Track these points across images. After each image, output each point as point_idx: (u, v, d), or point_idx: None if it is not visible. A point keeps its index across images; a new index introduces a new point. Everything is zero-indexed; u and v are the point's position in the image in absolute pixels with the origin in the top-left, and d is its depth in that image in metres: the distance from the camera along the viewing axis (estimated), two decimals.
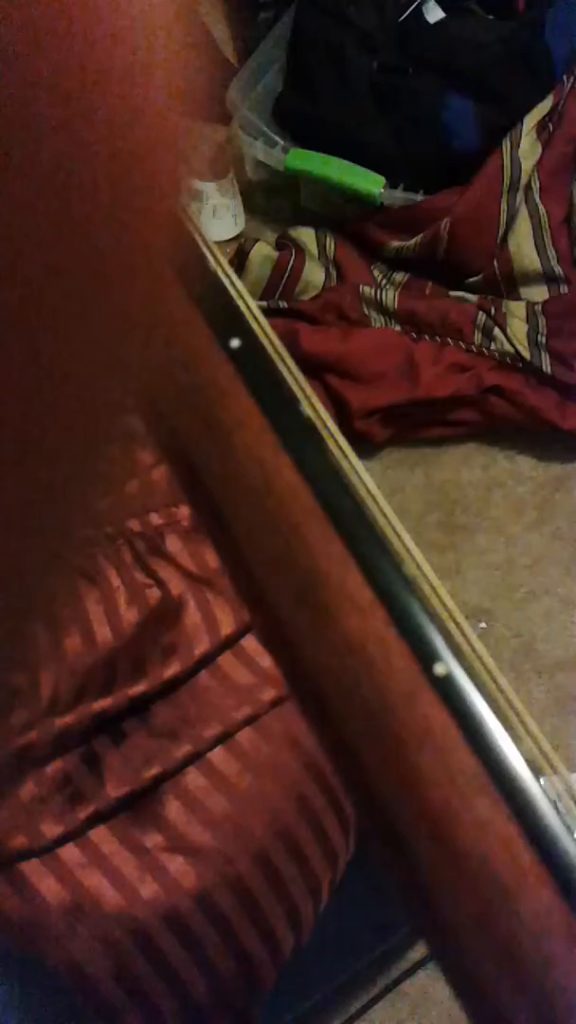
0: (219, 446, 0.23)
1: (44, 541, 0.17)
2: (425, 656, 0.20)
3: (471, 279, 1.07)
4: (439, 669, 0.20)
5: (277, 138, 1.11)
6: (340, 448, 0.23)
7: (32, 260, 0.13)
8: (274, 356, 0.24)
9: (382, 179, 1.07)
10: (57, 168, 0.12)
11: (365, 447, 1.05)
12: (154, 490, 0.73)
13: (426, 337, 1.04)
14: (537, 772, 0.19)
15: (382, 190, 1.07)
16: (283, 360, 0.24)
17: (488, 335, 1.03)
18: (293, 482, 0.22)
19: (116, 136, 0.13)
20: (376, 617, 0.21)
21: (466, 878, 0.19)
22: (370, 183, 1.07)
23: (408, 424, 1.06)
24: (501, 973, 0.18)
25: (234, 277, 0.25)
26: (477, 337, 1.03)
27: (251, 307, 0.25)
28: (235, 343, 0.24)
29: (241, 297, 0.25)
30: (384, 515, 0.22)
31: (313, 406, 0.23)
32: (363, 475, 0.23)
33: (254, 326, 0.24)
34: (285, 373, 0.24)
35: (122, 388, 0.17)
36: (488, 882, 0.18)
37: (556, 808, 0.19)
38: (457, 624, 0.21)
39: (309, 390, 0.24)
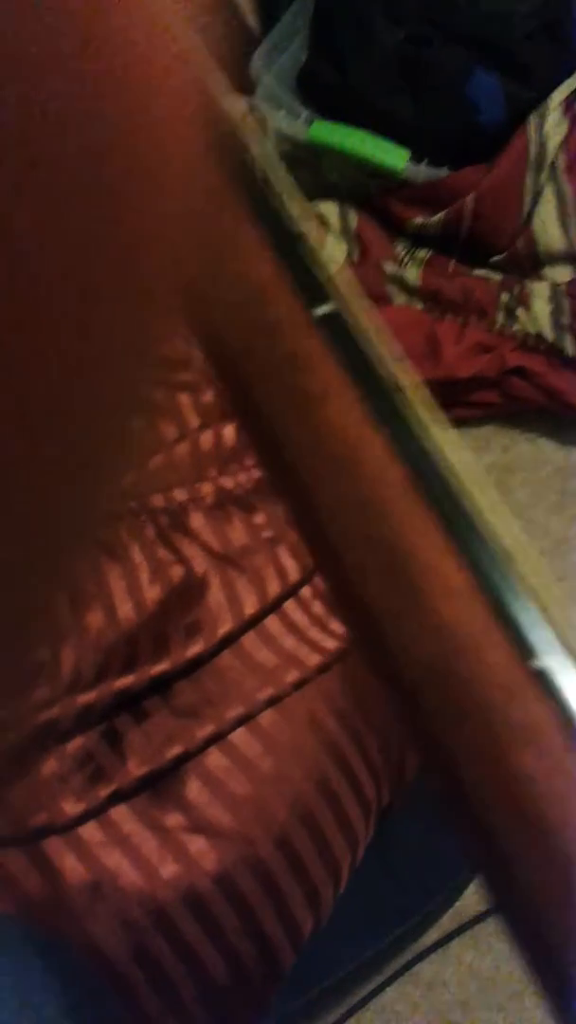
0: (305, 419, 0.22)
1: (71, 513, 0.17)
2: (525, 648, 0.19)
3: (495, 258, 1.06)
4: (539, 663, 0.19)
5: (300, 109, 1.09)
6: (435, 423, 0.22)
7: (41, 217, 0.12)
8: (365, 325, 0.23)
9: (407, 153, 1.05)
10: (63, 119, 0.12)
11: None
12: (178, 465, 0.72)
13: (448, 316, 1.03)
14: None
15: (406, 164, 1.05)
16: (374, 329, 0.23)
17: (511, 315, 1.01)
18: (384, 458, 0.21)
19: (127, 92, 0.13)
20: (472, 604, 0.20)
21: (566, 883, 0.18)
22: (394, 157, 1.05)
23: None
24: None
25: (320, 243, 0.23)
26: (500, 317, 1.02)
27: (336, 275, 0.23)
28: (323, 310, 0.22)
29: (330, 262, 0.23)
30: (483, 495, 0.21)
31: (406, 378, 0.22)
32: (460, 452, 0.22)
33: (343, 293, 0.23)
34: (376, 343, 0.23)
35: (147, 356, 0.17)
36: None
37: None
38: (559, 613, 0.20)
39: (401, 365, 0.22)
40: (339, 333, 0.22)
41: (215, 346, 0.23)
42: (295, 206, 0.23)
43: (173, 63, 0.14)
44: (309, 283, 0.23)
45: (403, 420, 0.22)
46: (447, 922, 0.90)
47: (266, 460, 0.24)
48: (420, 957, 0.89)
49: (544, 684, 0.19)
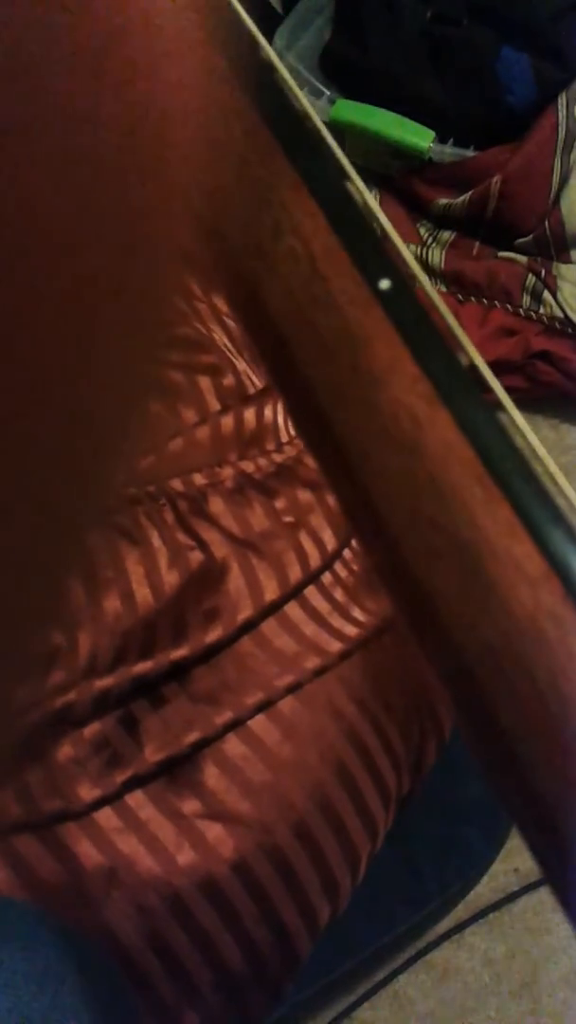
0: (365, 398, 0.21)
1: (82, 495, 0.17)
2: None
3: (521, 240, 1.04)
4: None
5: (323, 88, 1.08)
6: (503, 403, 0.21)
7: (48, 202, 0.12)
8: (429, 300, 0.21)
9: (431, 133, 1.03)
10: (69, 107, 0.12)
11: None
12: (198, 449, 0.70)
13: (472, 299, 1.01)
14: None
15: (431, 144, 1.03)
16: (438, 305, 0.21)
17: (537, 298, 1.00)
18: (451, 438, 0.20)
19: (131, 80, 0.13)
20: (550, 590, 0.19)
21: None
22: (419, 137, 1.03)
23: None
24: None
25: (381, 214, 0.22)
26: (525, 300, 1.00)
27: (400, 247, 0.22)
28: (385, 284, 0.21)
29: (393, 235, 0.22)
30: (553, 478, 0.20)
31: (472, 356, 0.21)
32: (528, 433, 0.20)
33: (406, 266, 0.22)
34: (439, 319, 0.21)
35: (157, 335, 0.17)
36: None
37: None
38: None
39: (465, 338, 0.21)
40: (402, 309, 0.21)
41: (264, 324, 0.22)
42: (357, 181, 0.22)
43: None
44: (370, 256, 0.22)
45: (470, 399, 0.21)
46: (461, 910, 0.89)
47: (316, 446, 0.22)
48: (434, 944, 0.89)
49: None
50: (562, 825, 0.18)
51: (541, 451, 0.20)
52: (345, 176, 0.22)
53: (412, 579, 0.20)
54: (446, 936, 0.90)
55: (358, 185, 0.22)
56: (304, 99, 0.22)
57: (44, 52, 0.11)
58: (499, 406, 0.20)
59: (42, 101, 0.11)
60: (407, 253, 0.22)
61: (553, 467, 0.20)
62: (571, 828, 0.18)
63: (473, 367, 0.21)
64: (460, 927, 0.90)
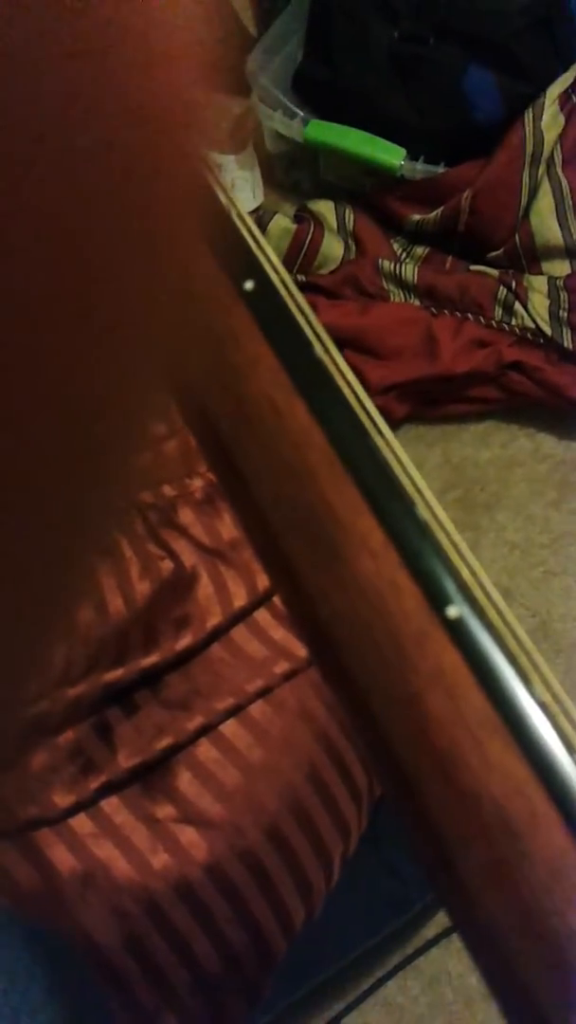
0: (232, 389, 0.22)
1: (86, 510, 0.17)
2: (437, 599, 0.20)
3: (492, 253, 1.06)
4: (451, 612, 0.20)
5: (296, 109, 1.10)
6: (353, 391, 0.22)
7: (49, 226, 0.12)
8: (287, 299, 0.23)
9: (402, 151, 1.05)
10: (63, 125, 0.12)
11: None
12: (167, 462, 0.72)
13: (446, 312, 1.03)
14: (549, 715, 0.18)
15: (402, 162, 1.05)
16: (297, 303, 0.23)
17: (509, 310, 1.01)
18: (306, 424, 0.22)
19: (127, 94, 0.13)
20: (388, 560, 0.20)
21: (476, 819, 0.18)
22: (390, 155, 1.05)
23: (427, 401, 1.05)
24: (512, 917, 0.17)
25: (248, 219, 0.24)
26: (497, 312, 1.02)
27: (265, 249, 0.24)
28: (249, 285, 0.23)
29: (255, 239, 0.24)
30: (398, 459, 0.22)
31: (327, 349, 0.23)
32: (377, 418, 0.22)
33: (268, 268, 0.23)
34: (298, 316, 0.23)
35: (156, 360, 0.17)
36: (499, 823, 0.18)
37: (569, 750, 0.18)
38: (470, 568, 0.20)
39: (324, 334, 0.23)
40: (264, 308, 0.23)
41: None
42: (219, 180, 0.24)
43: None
44: (236, 258, 0.23)
45: (326, 388, 0.22)
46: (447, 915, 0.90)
47: (198, 430, 0.24)
48: (421, 950, 0.89)
49: (455, 632, 0.20)
50: (421, 793, 0.20)
51: (388, 434, 0.22)
52: (216, 181, 0.24)
53: (280, 553, 0.22)
54: (434, 941, 0.90)
55: (226, 190, 0.24)
56: None
57: (45, 49, 0.11)
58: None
59: (42, 99, 0.11)
60: (272, 255, 0.23)
61: (399, 450, 0.22)
62: (425, 788, 0.20)
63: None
64: (448, 932, 0.90)
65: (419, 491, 0.21)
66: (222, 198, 0.24)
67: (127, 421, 0.17)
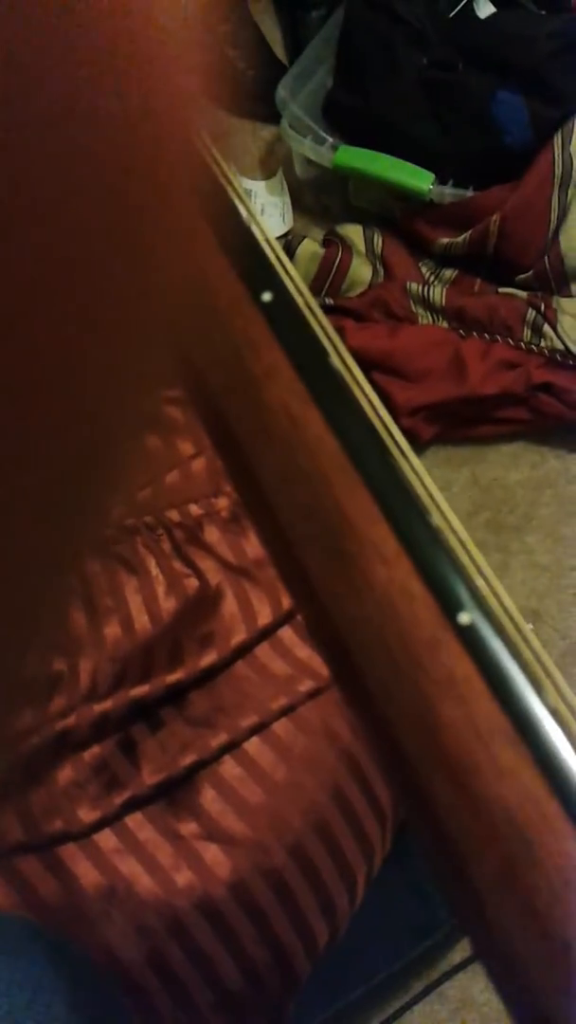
0: (250, 398, 0.23)
1: (75, 524, 0.17)
2: (449, 606, 0.20)
3: (521, 276, 1.06)
4: (463, 619, 0.20)
5: (326, 135, 1.11)
6: (369, 401, 0.23)
7: (38, 225, 0.12)
8: (305, 310, 0.24)
9: (431, 175, 1.06)
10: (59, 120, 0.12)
11: (411, 445, 1.04)
12: (194, 481, 0.73)
13: (474, 334, 1.03)
14: (561, 723, 0.18)
15: (431, 186, 1.06)
16: (314, 314, 0.24)
17: (538, 332, 1.01)
18: (321, 433, 0.22)
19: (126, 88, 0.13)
20: (401, 567, 0.21)
21: (488, 828, 0.18)
22: (419, 179, 1.06)
23: (455, 422, 1.05)
24: (522, 925, 0.17)
25: (267, 230, 0.25)
26: (526, 334, 1.02)
27: (283, 261, 0.24)
28: (267, 296, 0.23)
29: (273, 251, 0.24)
30: (412, 467, 0.22)
31: (343, 359, 0.23)
32: (392, 427, 0.22)
33: (285, 280, 0.24)
34: (316, 327, 0.23)
35: (151, 364, 0.17)
36: (511, 832, 0.18)
37: None
38: (483, 575, 0.21)
39: (340, 344, 0.23)
40: (282, 319, 0.23)
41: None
42: (238, 190, 0.24)
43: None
44: (255, 270, 0.24)
45: (341, 397, 0.23)
46: None
47: (217, 440, 0.25)
48: (448, 975, 0.88)
49: (468, 638, 0.20)
50: (435, 801, 0.20)
51: (402, 442, 0.22)
52: (234, 191, 0.24)
53: (296, 561, 0.22)
54: (460, 967, 0.89)
55: (246, 203, 0.24)
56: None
57: (45, 49, 0.11)
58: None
59: (41, 98, 0.11)
60: (290, 267, 0.24)
61: (413, 459, 0.22)
62: (438, 796, 0.20)
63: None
64: (473, 957, 0.90)
65: (433, 499, 0.21)
66: (241, 211, 0.25)
67: (118, 432, 0.16)
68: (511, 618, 0.20)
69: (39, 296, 0.13)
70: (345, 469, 0.22)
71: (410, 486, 0.21)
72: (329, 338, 0.23)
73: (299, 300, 0.24)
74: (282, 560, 0.23)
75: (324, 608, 0.22)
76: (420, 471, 0.22)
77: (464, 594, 0.20)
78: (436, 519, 0.21)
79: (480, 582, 0.20)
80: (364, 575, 0.21)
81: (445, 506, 0.21)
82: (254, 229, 0.24)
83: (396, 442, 0.22)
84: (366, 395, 0.23)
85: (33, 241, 0.12)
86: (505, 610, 0.20)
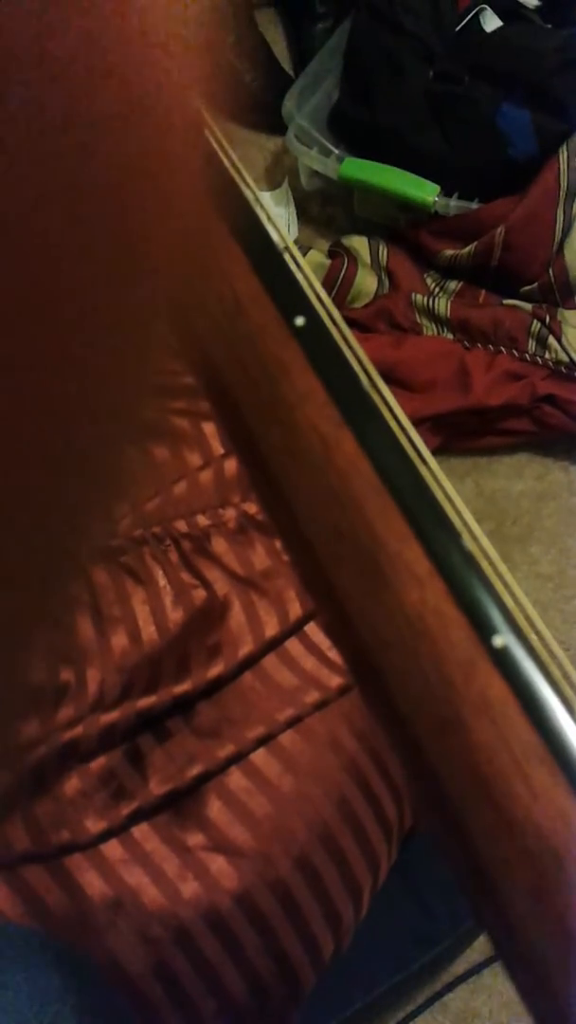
0: (282, 421, 0.23)
1: (74, 531, 0.17)
2: (483, 628, 0.20)
3: (526, 288, 1.07)
4: (497, 641, 0.20)
5: (332, 147, 1.12)
6: (401, 425, 0.23)
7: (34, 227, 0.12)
8: (337, 336, 0.24)
9: (436, 187, 1.07)
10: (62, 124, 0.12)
11: None
12: (201, 492, 0.73)
13: (479, 345, 1.04)
14: None
15: (436, 198, 1.06)
16: (346, 339, 0.24)
17: (542, 343, 1.02)
18: (354, 456, 0.22)
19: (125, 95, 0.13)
20: (434, 589, 0.21)
21: (521, 849, 0.18)
22: (424, 191, 1.07)
23: (459, 433, 1.05)
24: (554, 947, 0.18)
25: (299, 255, 0.25)
26: (531, 345, 1.02)
27: (315, 286, 0.25)
28: (300, 321, 0.24)
29: (306, 276, 0.25)
30: (444, 490, 0.22)
31: (375, 384, 0.23)
32: (424, 451, 0.23)
33: (318, 305, 0.24)
34: (347, 352, 0.24)
35: (151, 365, 0.17)
36: (543, 853, 0.18)
37: None
38: (515, 598, 0.21)
39: (372, 368, 0.24)
40: (315, 343, 0.24)
41: (200, 357, 0.25)
42: (270, 216, 0.24)
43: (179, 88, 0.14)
44: (288, 295, 0.24)
45: (373, 420, 0.23)
46: (476, 952, 0.89)
47: (247, 461, 0.25)
48: (451, 986, 0.88)
49: (501, 661, 0.20)
50: (468, 826, 0.20)
51: (434, 466, 0.22)
52: (269, 220, 0.25)
53: (326, 581, 0.22)
54: (462, 978, 0.89)
55: (279, 228, 0.24)
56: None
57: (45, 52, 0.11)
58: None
59: (42, 98, 0.12)
60: (322, 292, 0.24)
61: (444, 482, 0.22)
62: (471, 821, 0.20)
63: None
64: (476, 969, 0.90)
65: (464, 522, 0.22)
66: (274, 236, 0.25)
67: (113, 431, 0.17)
68: (543, 640, 0.20)
69: (39, 296, 0.13)
70: (378, 491, 0.22)
71: (442, 509, 0.22)
72: (360, 362, 0.23)
73: (330, 324, 0.24)
74: (312, 581, 0.23)
75: (355, 628, 0.22)
76: (452, 494, 0.22)
77: (498, 617, 0.20)
78: (467, 542, 0.21)
79: (511, 604, 0.21)
80: (397, 596, 0.21)
81: (476, 529, 0.21)
82: (285, 254, 0.25)
83: (428, 465, 0.22)
84: (396, 418, 0.23)
85: (33, 241, 0.12)
86: (536, 632, 0.20)
